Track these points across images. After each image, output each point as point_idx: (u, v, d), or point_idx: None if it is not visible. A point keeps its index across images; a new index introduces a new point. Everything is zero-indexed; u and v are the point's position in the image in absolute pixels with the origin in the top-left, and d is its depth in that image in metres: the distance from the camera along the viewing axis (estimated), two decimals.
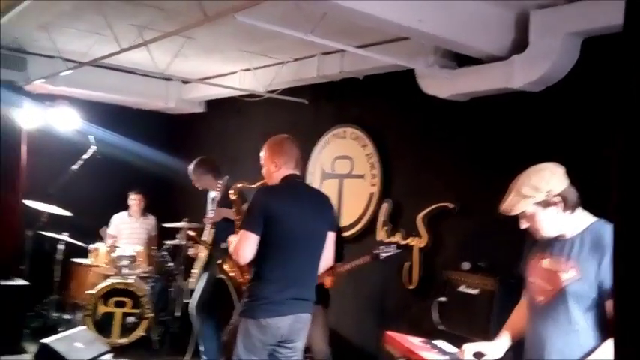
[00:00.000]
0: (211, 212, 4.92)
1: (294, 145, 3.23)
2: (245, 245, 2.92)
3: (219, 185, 4.77)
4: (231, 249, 3.07)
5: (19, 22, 4.69)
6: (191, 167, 5.02)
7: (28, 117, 6.07)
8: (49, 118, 6.23)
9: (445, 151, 4.46)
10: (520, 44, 3.75)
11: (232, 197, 3.57)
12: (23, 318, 5.53)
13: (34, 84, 6.09)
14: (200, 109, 7.20)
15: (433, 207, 4.35)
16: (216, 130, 7.01)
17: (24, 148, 6.16)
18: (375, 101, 5.05)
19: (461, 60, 4.16)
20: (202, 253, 5.00)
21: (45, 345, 4.43)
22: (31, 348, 5.22)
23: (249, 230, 2.92)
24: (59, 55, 5.72)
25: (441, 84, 4.22)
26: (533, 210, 2.16)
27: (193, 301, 4.90)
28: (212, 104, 7.09)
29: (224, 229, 4.72)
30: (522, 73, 3.68)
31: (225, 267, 3.57)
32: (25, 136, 6.14)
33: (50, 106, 6.27)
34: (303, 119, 5.69)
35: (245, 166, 5.96)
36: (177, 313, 5.75)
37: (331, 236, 3.20)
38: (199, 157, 5.08)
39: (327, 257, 3.19)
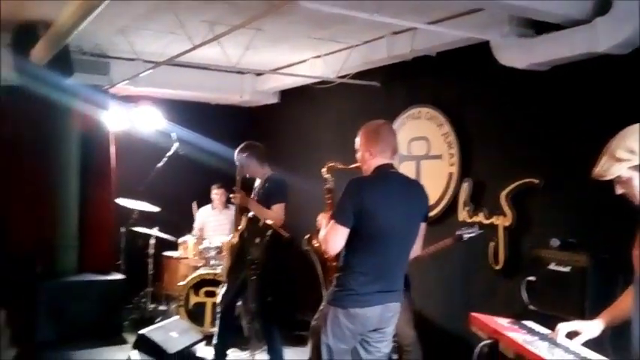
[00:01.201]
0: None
1: (391, 131, 3.14)
2: (335, 237, 2.89)
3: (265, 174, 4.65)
4: (320, 235, 3.05)
5: (98, 27, 4.92)
6: (236, 152, 4.73)
7: (115, 119, 6.38)
8: (133, 118, 6.52)
9: (527, 124, 4.25)
10: (603, 5, 3.49)
11: (324, 176, 3.53)
12: (122, 310, 5.87)
13: (117, 87, 6.39)
14: (274, 99, 7.29)
15: (517, 183, 4.17)
16: (291, 120, 7.07)
17: (112, 149, 6.49)
18: (449, 78, 4.89)
19: (539, 27, 3.94)
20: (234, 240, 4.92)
21: (142, 335, 4.68)
22: (131, 339, 5.52)
23: (341, 223, 2.88)
24: (138, 57, 5.99)
25: (519, 54, 4.01)
26: (628, 174, 1.99)
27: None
28: (285, 94, 7.16)
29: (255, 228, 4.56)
30: (607, 36, 3.43)
31: (313, 241, 3.57)
32: (112, 138, 6.47)
33: (134, 107, 6.56)
34: (376, 102, 5.62)
35: (321, 154, 5.97)
36: None
37: (422, 227, 3.12)
38: (245, 142, 4.81)
39: (415, 248, 3.13)
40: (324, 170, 3.54)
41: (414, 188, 3.20)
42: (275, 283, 4.75)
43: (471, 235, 4.09)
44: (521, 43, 3.96)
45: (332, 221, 2.92)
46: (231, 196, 4.64)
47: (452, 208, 4.72)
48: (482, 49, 4.24)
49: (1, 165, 6.38)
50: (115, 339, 5.55)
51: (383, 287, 2.96)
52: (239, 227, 4.70)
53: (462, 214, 4.56)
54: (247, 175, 4.74)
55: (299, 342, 5.53)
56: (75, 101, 6.01)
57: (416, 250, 3.15)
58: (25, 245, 6.34)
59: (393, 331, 3.15)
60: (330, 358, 2.96)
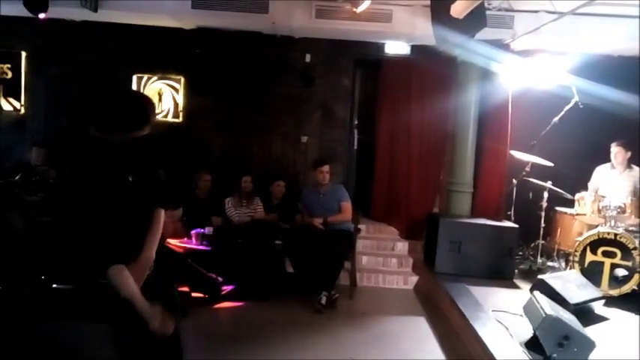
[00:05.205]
0: None
1: None
2: None
3: None
4: None
5: None
6: None
7: (513, 72, 6.46)
8: (531, 72, 6.48)
9: None
10: None
11: None
12: (513, 258, 6.00)
13: (517, 41, 6.43)
14: None
15: None
16: None
17: (509, 102, 6.62)
18: None
19: None
20: None
21: (542, 280, 4.72)
22: (523, 285, 5.64)
23: None
24: (543, 9, 5.90)
25: None
26: None
27: None
28: None
29: None
30: None
31: None
32: (510, 91, 6.59)
33: (532, 61, 6.51)
34: None
35: None
36: None
37: None
38: None
39: None
40: None
41: None
42: None
43: None
44: None
45: None
46: None
47: None
48: None
49: (402, 115, 7.19)
50: (506, 282, 5.74)
51: None
52: None
53: None
54: None
55: None
56: (477, 56, 6.31)
57: None
58: (422, 186, 7.11)
59: None
60: None
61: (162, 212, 2.46)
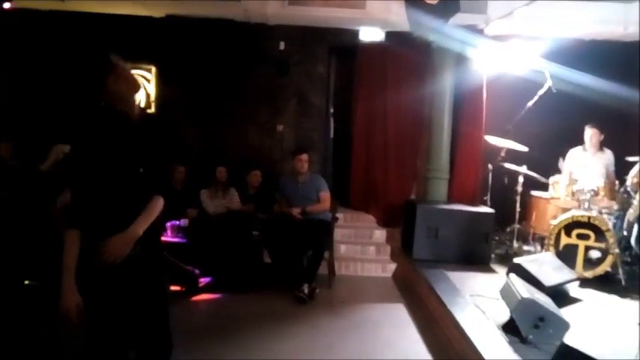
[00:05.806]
0: None
1: None
2: None
3: None
4: None
5: None
6: None
7: (487, 58, 6.47)
8: (505, 57, 6.51)
9: None
10: None
11: None
12: (489, 242, 6.04)
13: (491, 26, 6.44)
14: None
15: None
16: None
17: (484, 88, 6.63)
18: None
19: None
20: None
21: (517, 264, 4.75)
22: (499, 270, 5.69)
23: None
24: None
25: None
26: None
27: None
28: None
29: None
30: None
31: None
32: (485, 76, 6.60)
33: (506, 46, 6.54)
34: None
35: None
36: None
37: None
38: None
39: None
40: None
41: None
42: None
43: None
44: None
45: None
46: None
47: None
48: None
49: (377, 102, 7.16)
50: (482, 267, 5.78)
51: None
52: None
53: None
54: None
55: None
56: (452, 41, 6.31)
57: None
58: (399, 173, 7.11)
59: None
60: None
61: (161, 200, 2.40)
